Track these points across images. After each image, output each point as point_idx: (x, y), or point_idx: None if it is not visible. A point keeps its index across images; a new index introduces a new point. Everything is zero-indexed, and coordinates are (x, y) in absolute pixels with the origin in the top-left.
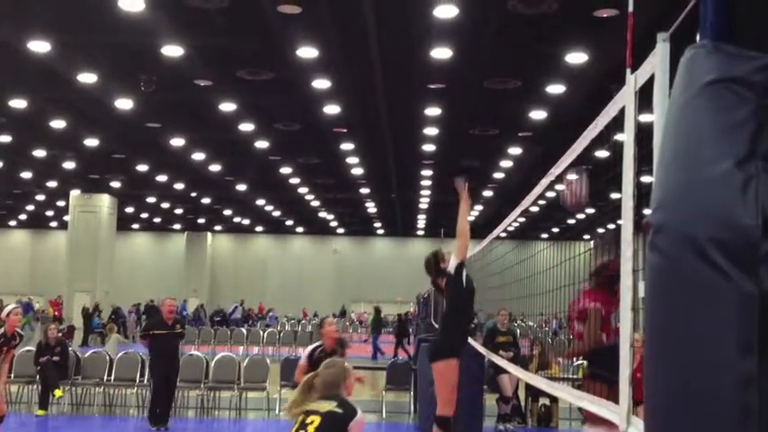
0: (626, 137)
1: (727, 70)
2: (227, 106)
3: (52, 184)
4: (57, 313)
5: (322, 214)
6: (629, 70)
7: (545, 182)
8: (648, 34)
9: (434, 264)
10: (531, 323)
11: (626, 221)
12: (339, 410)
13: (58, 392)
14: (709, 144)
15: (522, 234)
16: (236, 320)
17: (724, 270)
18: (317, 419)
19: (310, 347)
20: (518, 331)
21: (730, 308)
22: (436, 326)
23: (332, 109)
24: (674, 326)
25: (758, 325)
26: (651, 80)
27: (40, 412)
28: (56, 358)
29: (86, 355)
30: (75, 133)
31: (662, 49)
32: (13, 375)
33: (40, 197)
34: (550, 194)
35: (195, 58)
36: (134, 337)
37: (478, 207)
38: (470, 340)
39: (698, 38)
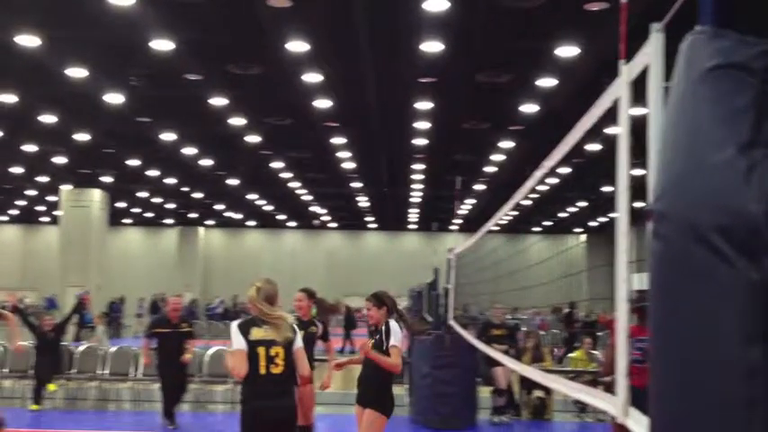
0: (620, 129)
1: (728, 56)
2: (218, 101)
3: (43, 179)
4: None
5: (313, 208)
6: (622, 61)
7: (537, 175)
8: (639, 26)
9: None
10: (523, 316)
11: (621, 214)
12: (290, 335)
13: (51, 387)
14: (711, 131)
15: (515, 228)
16: (218, 315)
17: (728, 257)
18: (280, 351)
19: None
20: (515, 323)
21: (735, 296)
22: (430, 319)
23: (323, 103)
24: (677, 314)
25: (763, 313)
26: (644, 72)
27: (34, 407)
28: (52, 333)
29: (80, 350)
30: (66, 128)
31: (656, 40)
32: (8, 369)
33: (31, 192)
34: (542, 188)
35: (185, 52)
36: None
37: (471, 201)
38: (464, 333)
39: (697, 24)
